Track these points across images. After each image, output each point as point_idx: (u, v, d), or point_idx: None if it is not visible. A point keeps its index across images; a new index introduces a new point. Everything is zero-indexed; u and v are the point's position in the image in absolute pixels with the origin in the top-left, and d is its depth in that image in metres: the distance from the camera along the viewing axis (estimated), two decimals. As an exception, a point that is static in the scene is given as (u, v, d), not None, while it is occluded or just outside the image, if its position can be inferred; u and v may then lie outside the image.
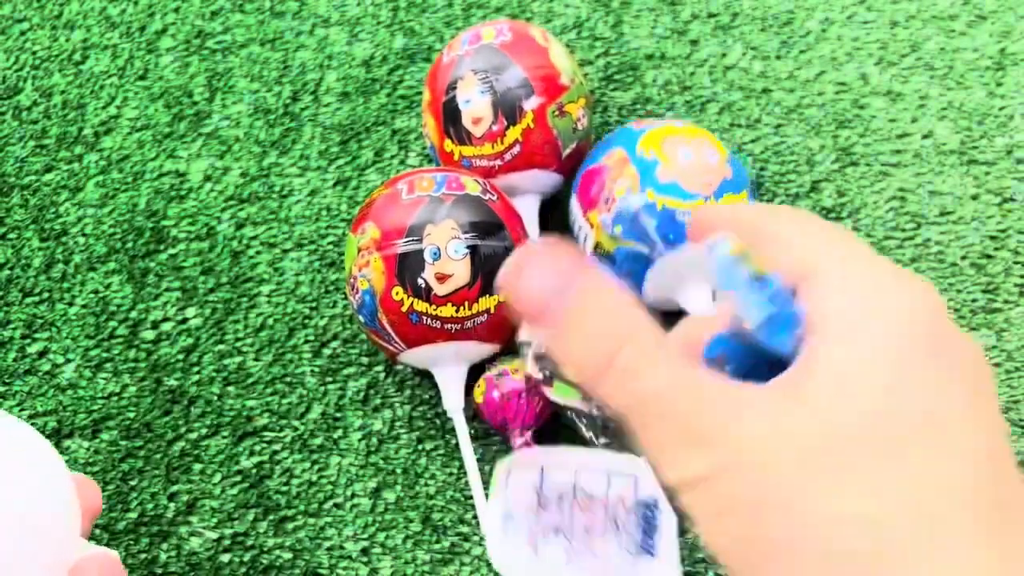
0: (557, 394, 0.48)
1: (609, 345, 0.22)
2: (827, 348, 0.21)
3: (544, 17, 0.66)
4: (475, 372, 0.52)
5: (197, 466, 0.52)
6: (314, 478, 0.52)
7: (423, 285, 0.47)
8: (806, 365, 0.21)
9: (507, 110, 0.52)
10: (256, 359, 0.55)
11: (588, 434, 0.50)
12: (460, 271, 0.47)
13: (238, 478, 0.52)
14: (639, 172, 0.49)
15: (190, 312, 0.57)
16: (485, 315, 0.48)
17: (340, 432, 0.53)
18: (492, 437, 0.53)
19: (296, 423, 0.53)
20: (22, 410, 0.54)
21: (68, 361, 0.56)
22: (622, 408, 0.22)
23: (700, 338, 0.25)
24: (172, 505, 0.51)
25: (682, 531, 0.48)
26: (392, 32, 0.66)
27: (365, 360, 0.55)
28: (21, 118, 0.64)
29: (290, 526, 0.51)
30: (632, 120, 0.62)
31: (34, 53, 0.66)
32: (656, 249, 0.49)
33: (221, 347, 0.56)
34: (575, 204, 0.53)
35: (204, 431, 0.53)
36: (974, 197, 0.58)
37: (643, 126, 0.52)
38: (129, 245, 0.59)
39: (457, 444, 0.52)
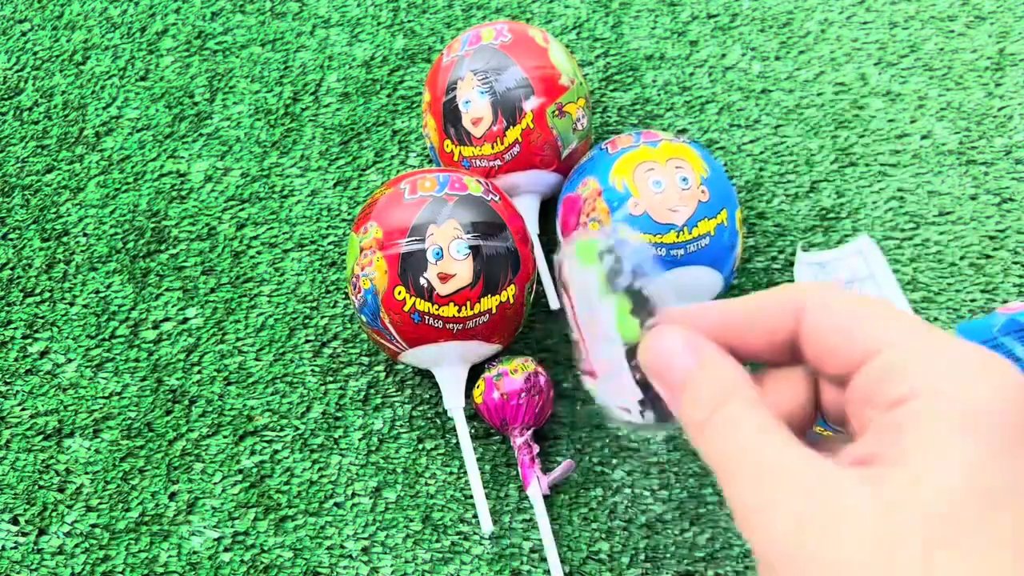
0: (619, 331, 0.35)
1: (716, 397, 0.24)
2: (918, 433, 0.21)
3: (544, 18, 0.66)
4: (475, 371, 0.52)
5: (198, 465, 0.53)
6: (314, 477, 0.52)
7: (425, 285, 0.47)
8: (897, 443, 0.21)
9: (507, 110, 0.52)
10: (257, 359, 0.55)
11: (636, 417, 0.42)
12: (462, 271, 0.47)
13: (239, 477, 0.52)
14: (610, 207, 0.49)
15: (191, 312, 0.57)
16: (487, 315, 0.48)
17: (340, 431, 0.53)
18: (492, 437, 0.53)
19: (297, 422, 0.53)
20: (23, 409, 0.54)
21: (69, 361, 0.56)
22: (717, 459, 0.24)
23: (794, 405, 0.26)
24: (173, 504, 0.51)
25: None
26: (392, 33, 0.66)
27: (365, 360, 0.55)
28: (22, 118, 0.64)
29: (290, 525, 0.51)
30: (625, 130, 0.62)
31: (35, 54, 0.66)
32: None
33: (222, 347, 0.56)
34: (559, 228, 0.53)
35: (205, 431, 0.53)
36: (973, 197, 0.59)
37: (618, 149, 0.51)
38: (130, 245, 0.59)
39: (457, 443, 0.52)
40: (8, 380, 0.56)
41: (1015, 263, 0.56)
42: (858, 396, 0.23)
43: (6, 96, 0.65)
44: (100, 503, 0.52)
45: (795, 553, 0.21)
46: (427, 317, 0.47)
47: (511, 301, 0.49)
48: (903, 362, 0.22)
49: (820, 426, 0.42)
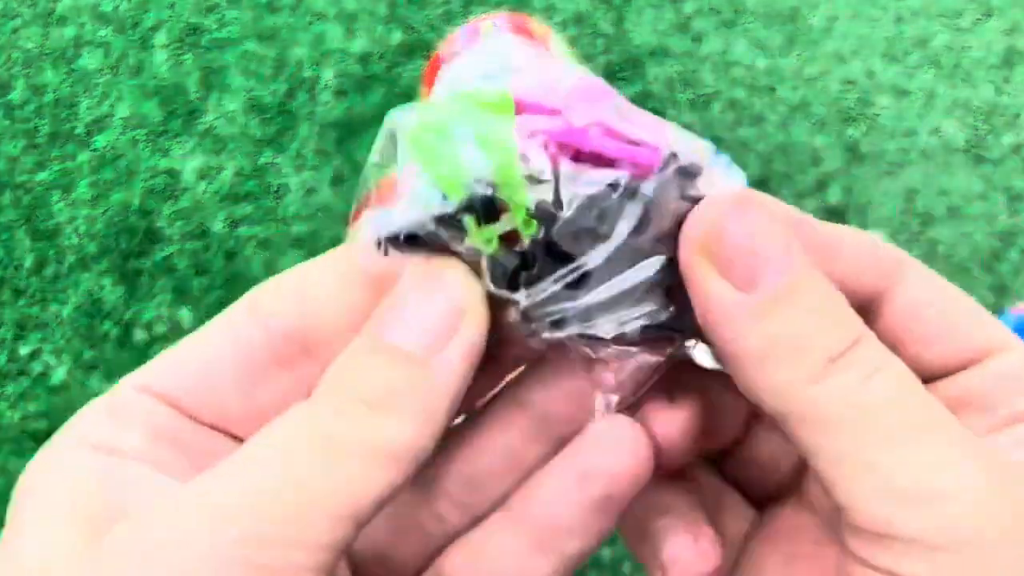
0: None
1: (848, 330, 0.16)
2: None
3: (545, 12, 0.65)
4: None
5: (191, 470, 0.52)
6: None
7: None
8: None
9: (507, 107, 0.51)
10: (251, 361, 0.55)
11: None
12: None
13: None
14: None
15: (183, 313, 0.56)
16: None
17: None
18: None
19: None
20: (14, 411, 0.54)
21: (60, 363, 0.55)
22: (832, 416, 0.15)
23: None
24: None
25: None
26: (390, 27, 0.65)
27: (362, 362, 0.54)
28: (13, 116, 0.63)
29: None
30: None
31: (26, 50, 0.66)
32: None
33: (216, 348, 0.55)
34: None
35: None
36: (982, 195, 0.58)
37: None
38: (122, 245, 0.58)
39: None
40: (-2, 382, 0.55)
41: (1026, 262, 0.55)
42: (967, 401, 0.17)
43: (-4, 93, 0.64)
44: (91, 508, 0.51)
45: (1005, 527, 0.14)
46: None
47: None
48: None
49: None
